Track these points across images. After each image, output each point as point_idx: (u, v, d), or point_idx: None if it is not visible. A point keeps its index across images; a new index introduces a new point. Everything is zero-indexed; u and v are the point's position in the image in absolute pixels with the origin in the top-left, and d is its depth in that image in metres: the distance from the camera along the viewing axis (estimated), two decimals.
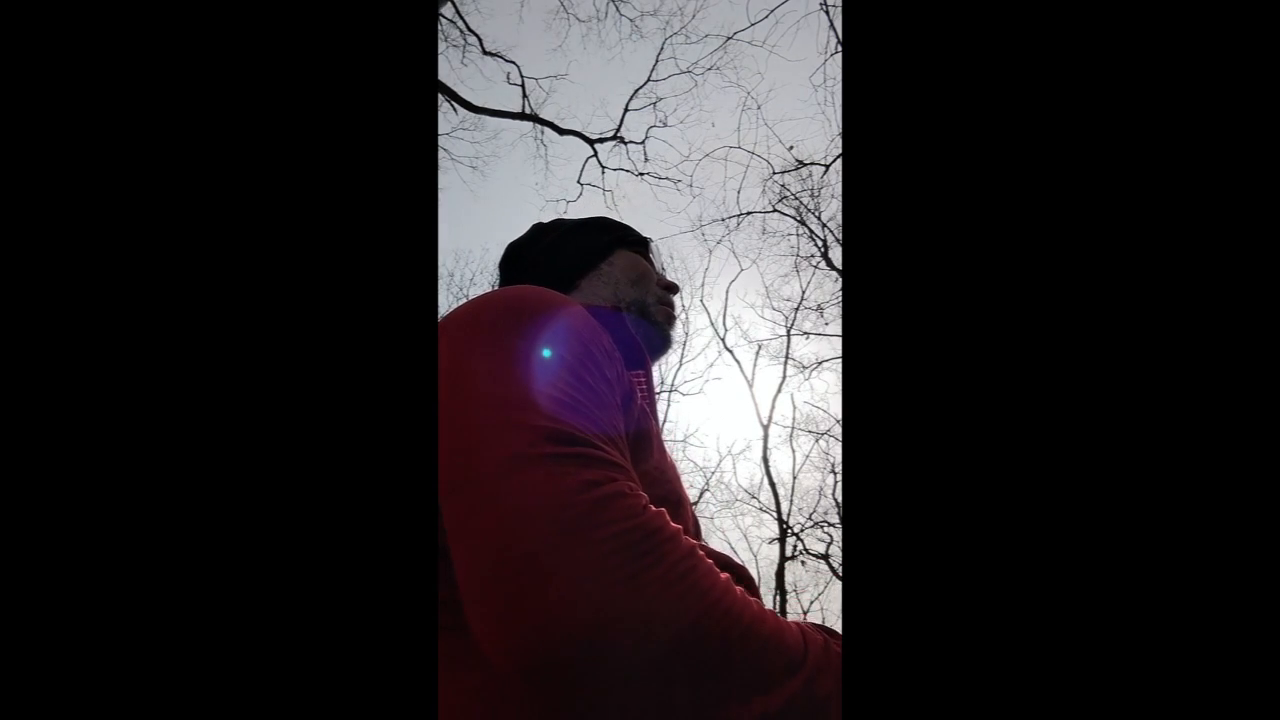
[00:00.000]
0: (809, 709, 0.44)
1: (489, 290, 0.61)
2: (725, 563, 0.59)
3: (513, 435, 0.44)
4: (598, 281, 0.84)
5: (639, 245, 0.91)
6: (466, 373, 0.48)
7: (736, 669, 0.42)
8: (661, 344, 0.84)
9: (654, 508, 0.46)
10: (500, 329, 0.52)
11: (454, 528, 0.44)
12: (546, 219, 0.97)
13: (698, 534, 0.70)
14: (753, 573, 0.64)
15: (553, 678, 0.40)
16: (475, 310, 0.56)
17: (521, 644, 0.39)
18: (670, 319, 0.86)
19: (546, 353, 0.52)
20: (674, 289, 0.89)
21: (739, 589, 0.46)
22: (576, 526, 0.41)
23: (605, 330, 0.62)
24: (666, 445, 0.74)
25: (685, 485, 0.76)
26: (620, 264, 0.86)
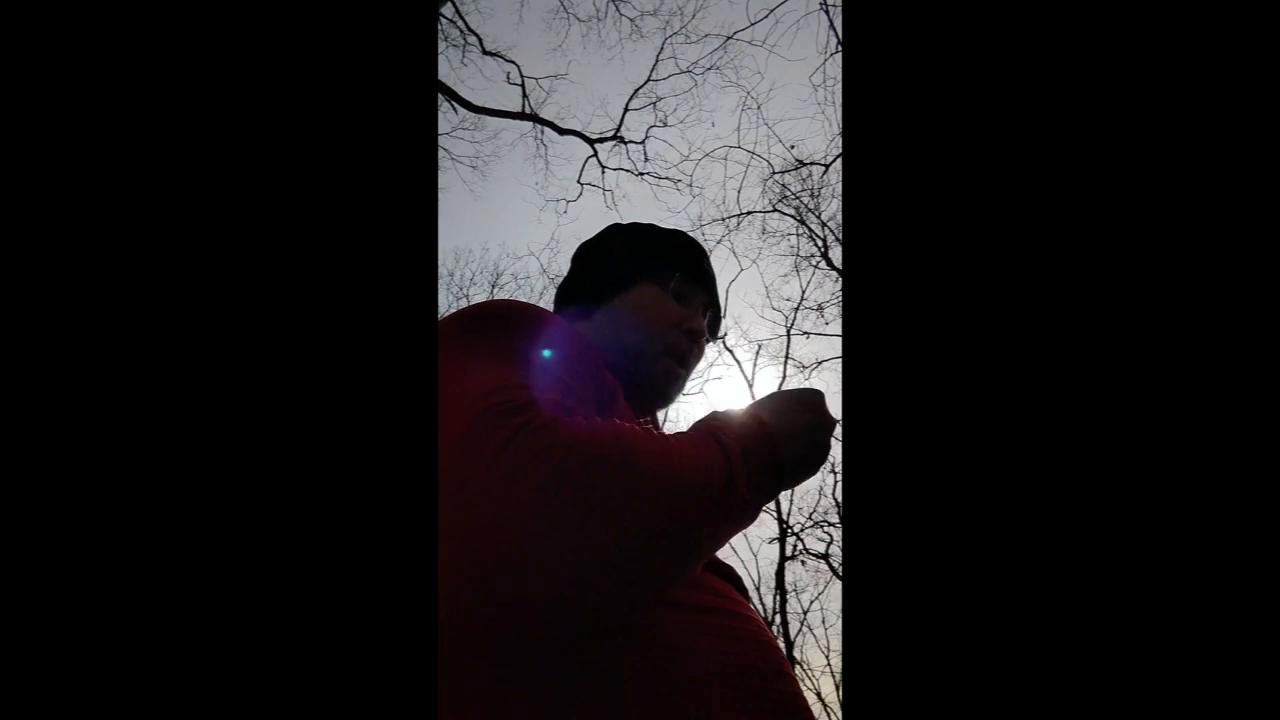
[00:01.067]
0: (741, 515, 0.49)
1: (470, 304, 0.63)
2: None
3: (466, 413, 0.47)
4: (606, 316, 0.78)
5: (676, 272, 0.80)
6: (445, 380, 0.50)
7: (695, 501, 0.45)
8: (652, 402, 0.76)
9: (565, 418, 0.47)
10: (482, 336, 0.55)
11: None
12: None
13: None
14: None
15: (500, 595, 0.41)
16: (455, 322, 0.58)
17: (469, 585, 0.41)
18: (670, 375, 0.76)
19: (545, 354, 0.54)
20: (697, 335, 0.78)
21: (659, 434, 0.49)
22: (478, 439, 0.43)
23: (585, 340, 0.63)
24: None
25: None
26: (635, 301, 0.78)
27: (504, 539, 0.41)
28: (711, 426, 0.54)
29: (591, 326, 0.77)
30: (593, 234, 0.90)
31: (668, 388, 0.77)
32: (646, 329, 0.76)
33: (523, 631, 0.43)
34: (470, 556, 0.41)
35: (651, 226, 0.88)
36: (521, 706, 0.44)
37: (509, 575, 0.41)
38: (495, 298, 0.65)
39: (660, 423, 0.76)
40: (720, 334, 0.91)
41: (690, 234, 0.87)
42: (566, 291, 0.85)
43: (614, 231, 0.88)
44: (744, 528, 0.52)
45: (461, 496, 0.42)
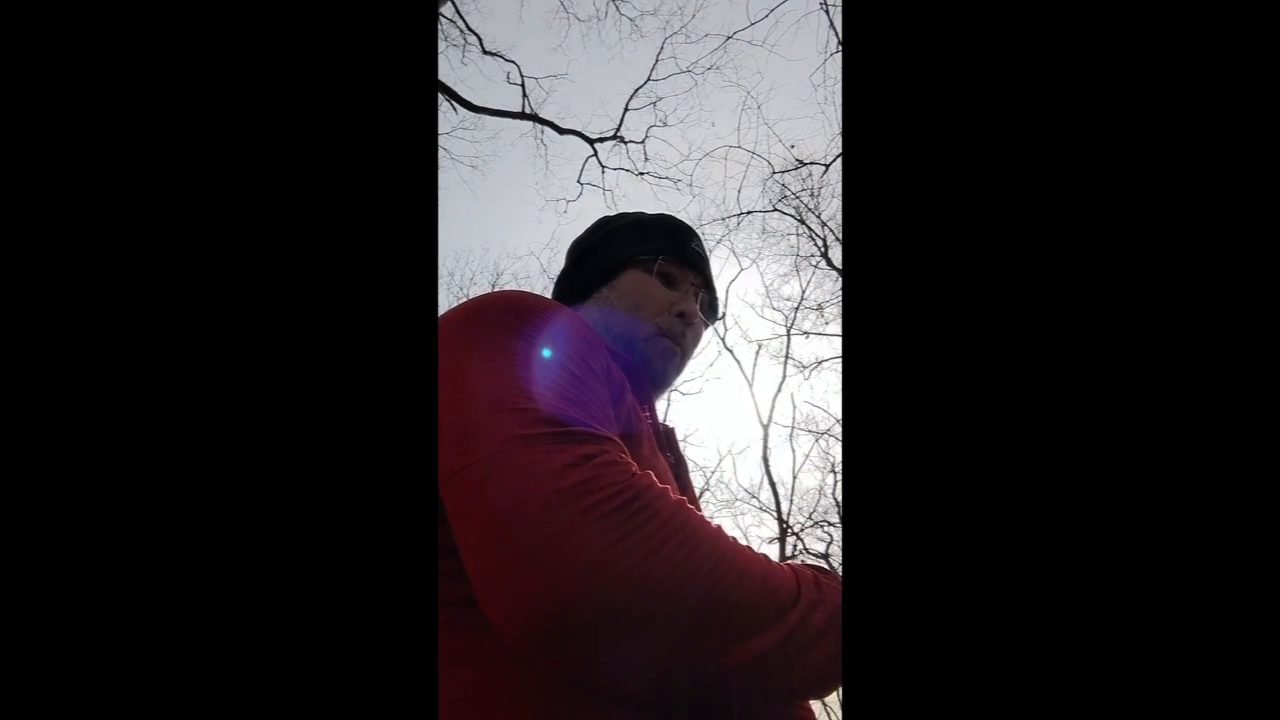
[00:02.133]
0: (805, 643, 0.45)
1: (482, 294, 0.62)
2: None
3: (510, 420, 0.46)
4: (595, 306, 0.78)
5: (663, 256, 0.79)
6: (462, 371, 0.50)
7: (733, 613, 0.43)
8: (651, 384, 0.75)
9: (642, 470, 0.47)
10: (496, 329, 0.54)
11: (457, 512, 0.45)
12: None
13: None
14: None
15: (565, 644, 0.41)
16: (469, 312, 0.57)
17: (531, 616, 0.41)
18: (667, 354, 0.75)
19: (545, 352, 0.53)
20: (689, 317, 0.77)
21: (729, 536, 0.48)
22: (572, 497, 0.42)
23: (596, 334, 0.62)
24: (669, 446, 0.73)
25: (693, 482, 0.74)
26: (621, 288, 0.78)
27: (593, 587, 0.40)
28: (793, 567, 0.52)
29: (584, 319, 0.76)
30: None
31: (665, 367, 0.76)
32: (636, 314, 0.76)
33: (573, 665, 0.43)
34: (528, 576, 0.41)
35: (639, 215, 0.87)
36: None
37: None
38: (505, 288, 0.64)
39: (660, 419, 0.74)
40: (719, 314, 0.88)
41: (678, 217, 0.86)
42: (560, 287, 0.85)
43: (601, 224, 0.88)
44: (814, 666, 0.47)
45: (523, 511, 0.42)
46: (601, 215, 0.91)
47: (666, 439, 0.74)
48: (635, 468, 0.47)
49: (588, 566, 0.40)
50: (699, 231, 0.89)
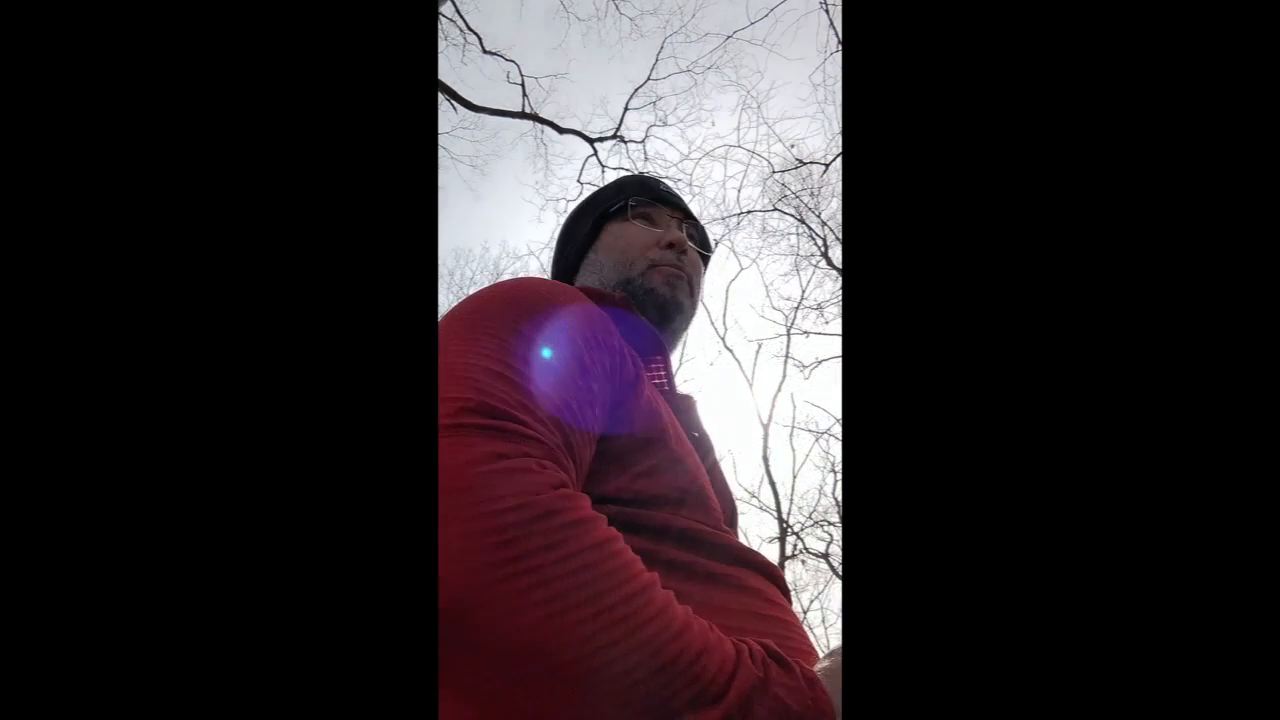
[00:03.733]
0: None
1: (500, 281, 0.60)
2: (764, 565, 0.57)
3: (442, 407, 0.42)
4: (588, 273, 0.78)
5: (634, 203, 0.78)
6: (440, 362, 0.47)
7: (625, 687, 0.35)
8: (660, 317, 0.72)
9: (568, 490, 0.41)
10: (477, 317, 0.51)
11: None
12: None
13: (733, 522, 0.67)
14: (776, 565, 0.60)
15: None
16: (469, 299, 0.56)
17: None
18: (669, 281, 0.73)
19: (512, 334, 0.50)
20: (678, 244, 0.75)
21: (664, 595, 0.39)
22: (462, 500, 0.37)
23: (603, 318, 0.59)
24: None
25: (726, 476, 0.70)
26: (605, 243, 0.78)
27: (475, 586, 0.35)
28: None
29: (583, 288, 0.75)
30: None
31: (672, 292, 0.73)
32: (624, 261, 0.74)
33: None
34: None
35: (604, 185, 0.88)
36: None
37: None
38: (517, 275, 0.62)
39: (673, 375, 0.71)
40: (711, 246, 0.86)
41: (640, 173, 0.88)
42: (553, 273, 0.85)
43: (574, 207, 0.88)
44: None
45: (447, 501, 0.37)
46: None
47: (689, 414, 0.71)
48: (558, 481, 0.41)
49: (450, 580, 0.35)
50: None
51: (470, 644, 0.35)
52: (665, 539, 0.51)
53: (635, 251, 0.75)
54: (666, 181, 0.85)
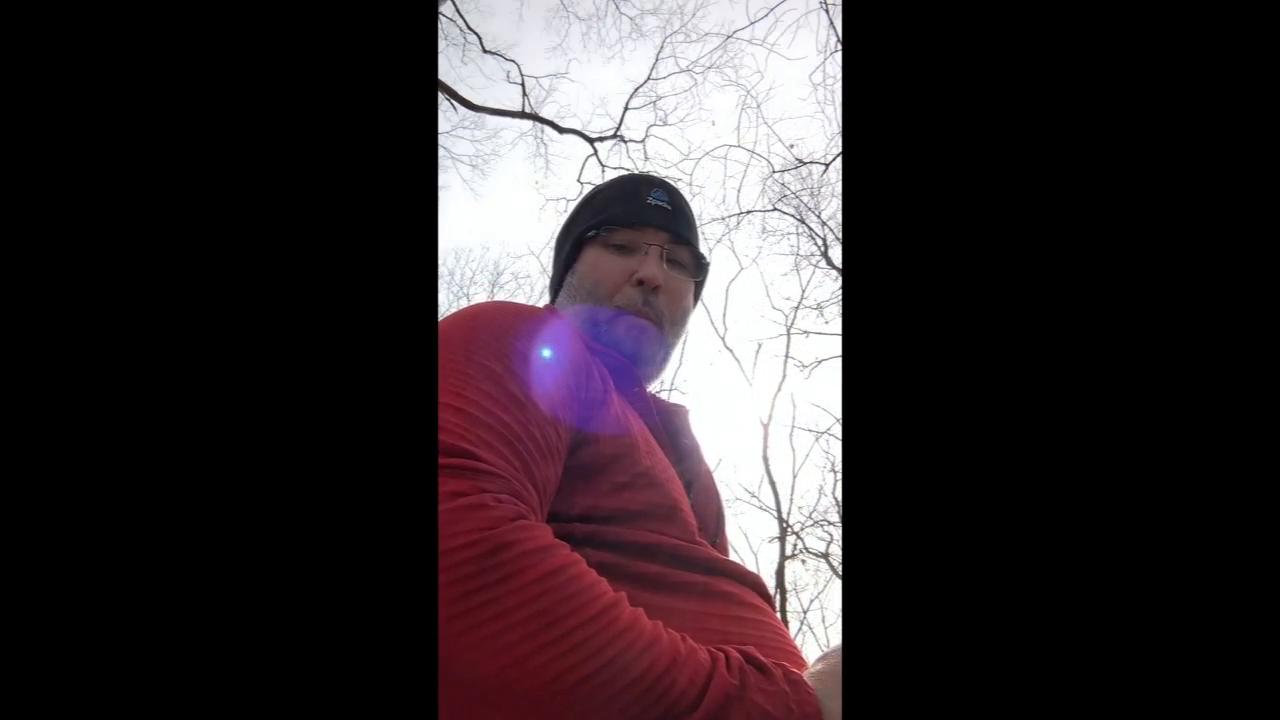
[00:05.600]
0: None
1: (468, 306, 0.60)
2: (738, 572, 0.57)
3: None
4: (565, 295, 0.74)
5: (604, 232, 0.71)
6: None
7: (592, 711, 0.35)
8: (629, 367, 0.66)
9: (525, 521, 0.41)
10: (446, 349, 0.51)
11: None
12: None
13: (719, 530, 0.67)
14: (754, 572, 0.60)
15: None
16: (444, 326, 0.55)
17: None
18: (633, 331, 0.67)
19: (469, 363, 0.50)
20: (648, 282, 0.68)
21: (631, 613, 0.40)
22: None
23: (567, 333, 0.58)
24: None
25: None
26: (580, 269, 0.72)
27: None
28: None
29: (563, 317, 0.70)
30: None
31: (636, 346, 0.67)
32: (596, 295, 0.69)
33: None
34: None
35: (595, 187, 0.81)
36: None
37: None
38: (492, 299, 0.61)
39: (649, 397, 0.68)
40: (704, 262, 0.77)
41: (635, 173, 0.81)
42: (551, 287, 0.82)
43: (574, 206, 0.83)
44: None
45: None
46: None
47: (676, 423, 0.69)
48: (514, 514, 0.41)
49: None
50: (700, 232, 0.82)
51: (443, 681, 0.36)
52: (634, 554, 0.51)
53: (604, 288, 0.69)
54: (669, 182, 0.77)
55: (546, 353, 0.54)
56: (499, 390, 0.49)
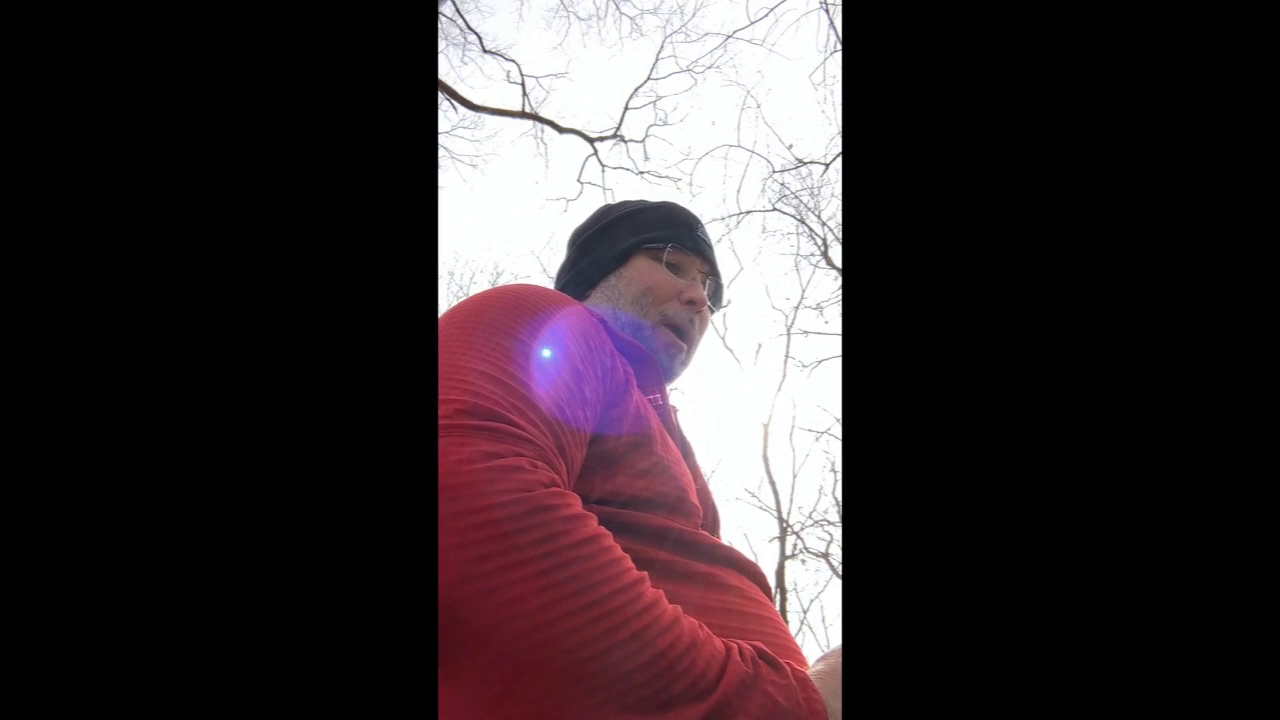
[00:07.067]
0: None
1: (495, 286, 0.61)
2: (741, 562, 0.58)
3: (438, 410, 0.43)
4: (603, 295, 0.77)
5: (673, 248, 0.77)
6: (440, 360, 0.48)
7: (616, 681, 0.35)
8: (657, 372, 0.70)
9: (560, 488, 0.42)
10: (477, 321, 0.52)
11: None
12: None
13: (715, 528, 0.68)
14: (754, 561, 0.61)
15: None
16: (469, 302, 0.56)
17: None
18: (671, 348, 0.73)
19: (531, 346, 0.51)
20: (697, 304, 0.75)
21: (654, 591, 0.40)
22: (457, 496, 0.38)
23: (596, 323, 0.60)
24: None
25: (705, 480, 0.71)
26: (629, 275, 0.77)
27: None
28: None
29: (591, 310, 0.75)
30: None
31: (670, 363, 0.75)
32: (643, 302, 0.74)
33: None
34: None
35: (641, 202, 0.86)
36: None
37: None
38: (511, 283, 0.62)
39: (669, 399, 0.73)
40: (724, 303, 0.88)
41: (681, 205, 0.85)
42: (563, 279, 0.84)
43: (605, 211, 0.87)
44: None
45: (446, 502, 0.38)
46: (601, 205, 0.90)
47: (674, 421, 0.72)
48: (548, 480, 0.41)
49: (448, 572, 0.36)
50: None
51: (468, 637, 0.36)
52: (650, 539, 0.52)
53: (653, 298, 0.75)
54: (703, 225, 0.84)
55: (580, 340, 0.55)
56: (536, 367, 0.50)
